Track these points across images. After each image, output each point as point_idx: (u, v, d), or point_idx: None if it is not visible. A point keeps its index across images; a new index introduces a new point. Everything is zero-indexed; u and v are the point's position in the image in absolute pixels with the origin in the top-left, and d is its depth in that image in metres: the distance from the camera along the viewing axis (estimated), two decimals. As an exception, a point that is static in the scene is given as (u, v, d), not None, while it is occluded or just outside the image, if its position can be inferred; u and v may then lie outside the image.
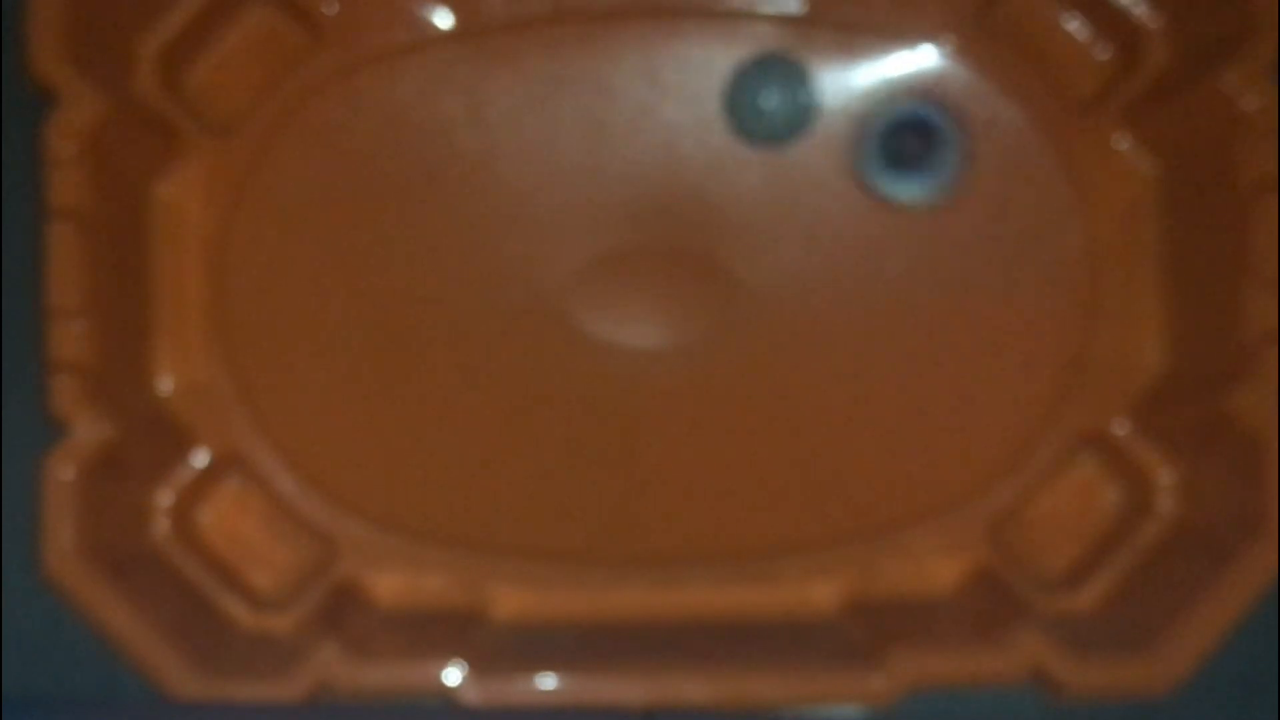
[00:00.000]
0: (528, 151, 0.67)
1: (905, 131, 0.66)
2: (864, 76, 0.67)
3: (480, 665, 0.60)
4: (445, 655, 0.60)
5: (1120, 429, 0.65)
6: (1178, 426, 0.64)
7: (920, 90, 0.66)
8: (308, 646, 0.61)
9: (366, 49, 0.67)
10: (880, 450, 0.67)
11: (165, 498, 0.64)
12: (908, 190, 0.66)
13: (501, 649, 0.63)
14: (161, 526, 0.64)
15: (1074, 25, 0.67)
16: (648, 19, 0.67)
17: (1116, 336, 0.66)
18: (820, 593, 0.65)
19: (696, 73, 0.67)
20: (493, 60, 0.67)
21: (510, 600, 0.65)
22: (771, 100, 0.65)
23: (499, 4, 0.67)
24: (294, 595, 0.64)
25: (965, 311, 0.67)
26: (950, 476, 0.66)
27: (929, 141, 0.65)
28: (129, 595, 0.60)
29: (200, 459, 0.65)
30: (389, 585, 0.65)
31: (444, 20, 0.67)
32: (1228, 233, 0.62)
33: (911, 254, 0.67)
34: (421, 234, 0.67)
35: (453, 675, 0.60)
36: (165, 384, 0.65)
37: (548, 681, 0.60)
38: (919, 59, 0.67)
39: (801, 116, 0.65)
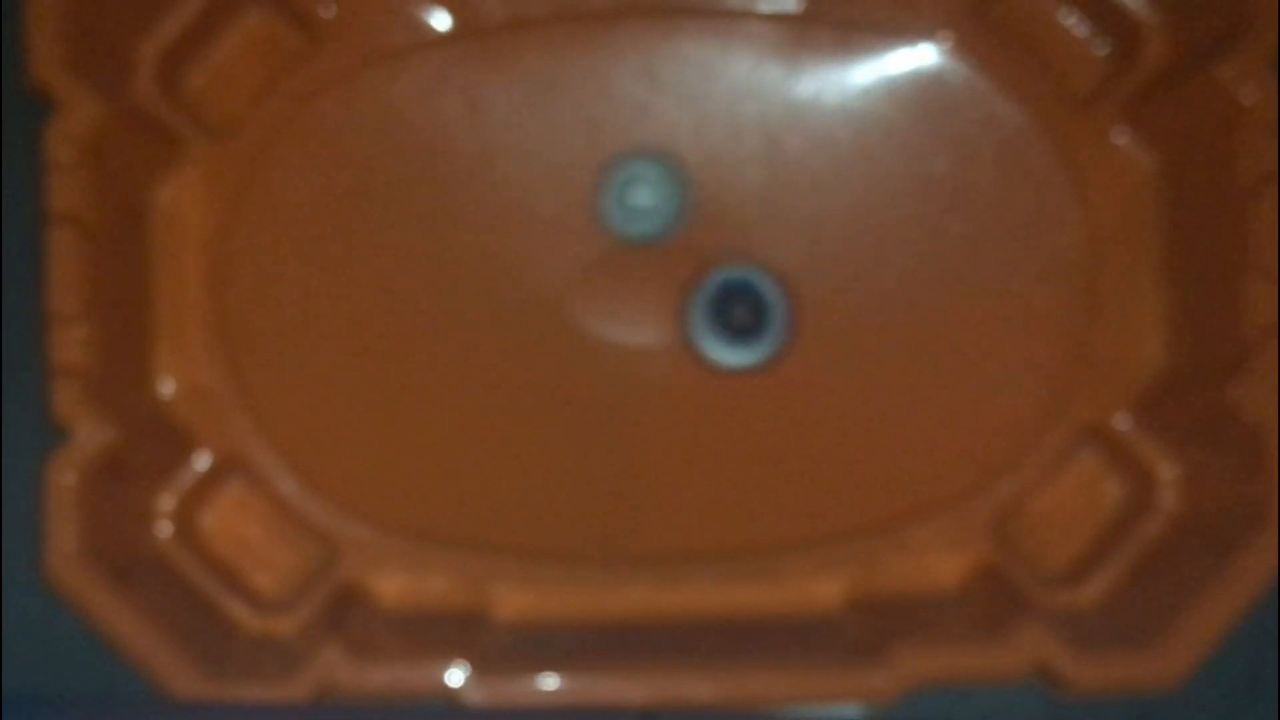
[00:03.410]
0: (526, 152, 0.67)
1: (734, 300, 0.66)
2: (862, 75, 0.67)
3: (483, 665, 0.60)
4: (448, 656, 0.60)
5: (1122, 424, 0.65)
6: (1180, 420, 0.64)
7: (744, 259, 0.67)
8: (311, 648, 0.61)
9: (364, 51, 0.67)
10: (881, 447, 0.67)
11: (167, 501, 0.64)
12: (736, 358, 0.66)
13: (504, 649, 0.63)
14: (164, 529, 0.64)
15: (1071, 21, 0.67)
16: (645, 19, 0.67)
17: (1117, 331, 0.66)
18: (822, 590, 0.65)
19: (695, 72, 0.67)
20: (491, 61, 0.67)
21: (513, 600, 0.65)
22: (643, 199, 0.65)
23: (497, 5, 0.67)
24: (297, 597, 0.64)
25: (965, 307, 0.67)
26: (952, 472, 0.66)
27: (757, 311, 0.66)
28: (132, 598, 0.60)
29: (202, 462, 0.65)
30: (391, 586, 0.65)
31: (442, 22, 0.67)
32: (1228, 226, 0.62)
33: (912, 249, 0.67)
34: (421, 235, 0.67)
35: (456, 676, 0.60)
36: (166, 387, 0.65)
37: (550, 681, 0.60)
38: (917, 56, 0.67)
39: (672, 215, 0.65)
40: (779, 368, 0.67)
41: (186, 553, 0.64)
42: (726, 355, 0.66)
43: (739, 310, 0.65)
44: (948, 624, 0.63)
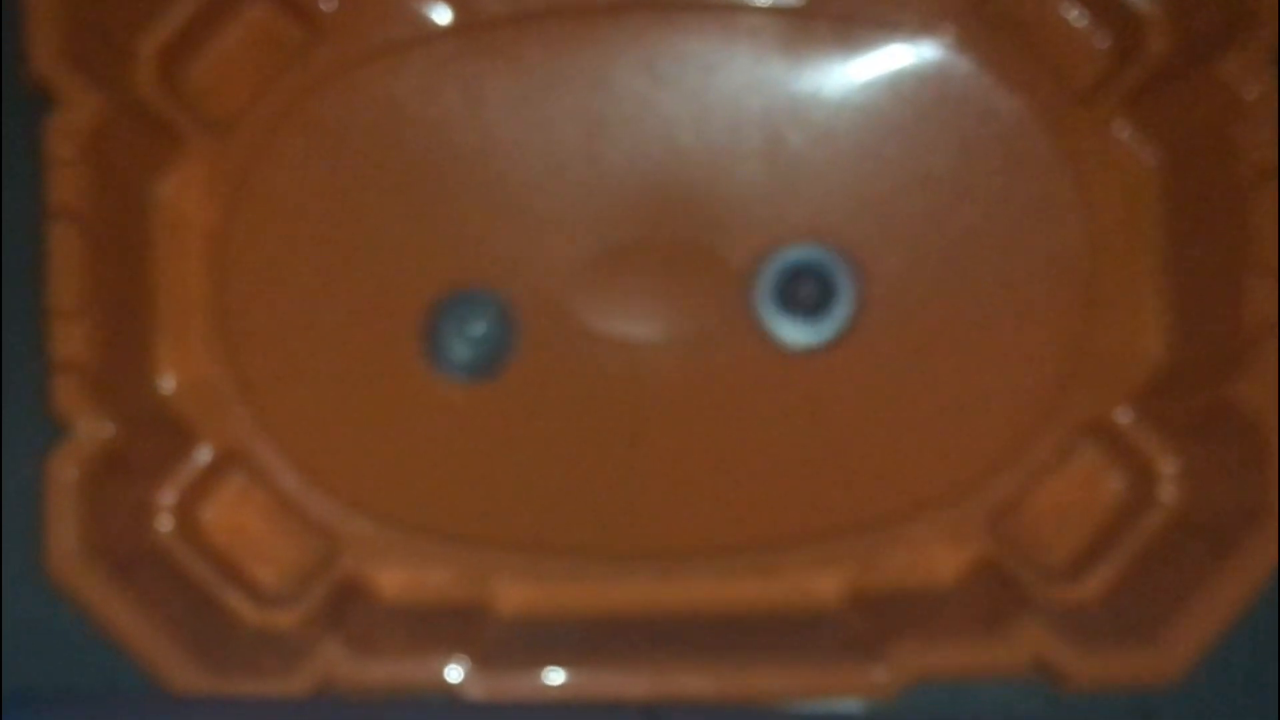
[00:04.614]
0: (527, 146, 0.67)
1: (801, 277, 0.66)
2: (863, 69, 0.67)
3: (484, 660, 0.61)
4: (449, 650, 0.61)
5: (1122, 418, 0.65)
6: (1180, 415, 0.64)
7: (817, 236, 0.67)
8: (312, 642, 0.61)
9: (365, 45, 0.67)
10: (880, 441, 0.67)
11: (168, 495, 0.64)
12: (798, 335, 0.66)
13: (505, 644, 0.63)
14: (164, 524, 0.64)
15: (1073, 14, 0.67)
16: (646, 12, 0.67)
17: (1117, 325, 0.66)
18: (822, 585, 0.65)
19: (695, 66, 0.67)
20: (491, 55, 0.67)
21: (514, 595, 0.65)
22: (478, 330, 0.66)
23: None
24: (297, 591, 0.64)
25: (964, 300, 0.67)
26: (951, 467, 0.66)
27: (823, 289, 0.65)
28: (132, 593, 0.60)
29: (203, 456, 0.65)
30: (392, 581, 0.65)
31: (442, 16, 0.67)
32: (1229, 220, 0.62)
33: (911, 243, 0.67)
34: (421, 229, 0.67)
35: (456, 670, 0.60)
36: (167, 382, 0.65)
37: (552, 676, 0.60)
38: (918, 50, 0.67)
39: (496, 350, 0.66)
40: (775, 365, 0.67)
41: (187, 547, 0.64)
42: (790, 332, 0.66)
43: (807, 289, 0.65)
44: (947, 619, 0.63)
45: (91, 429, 0.61)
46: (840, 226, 0.67)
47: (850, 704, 0.61)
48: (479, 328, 0.67)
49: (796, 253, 0.67)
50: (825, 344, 0.67)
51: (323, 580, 0.64)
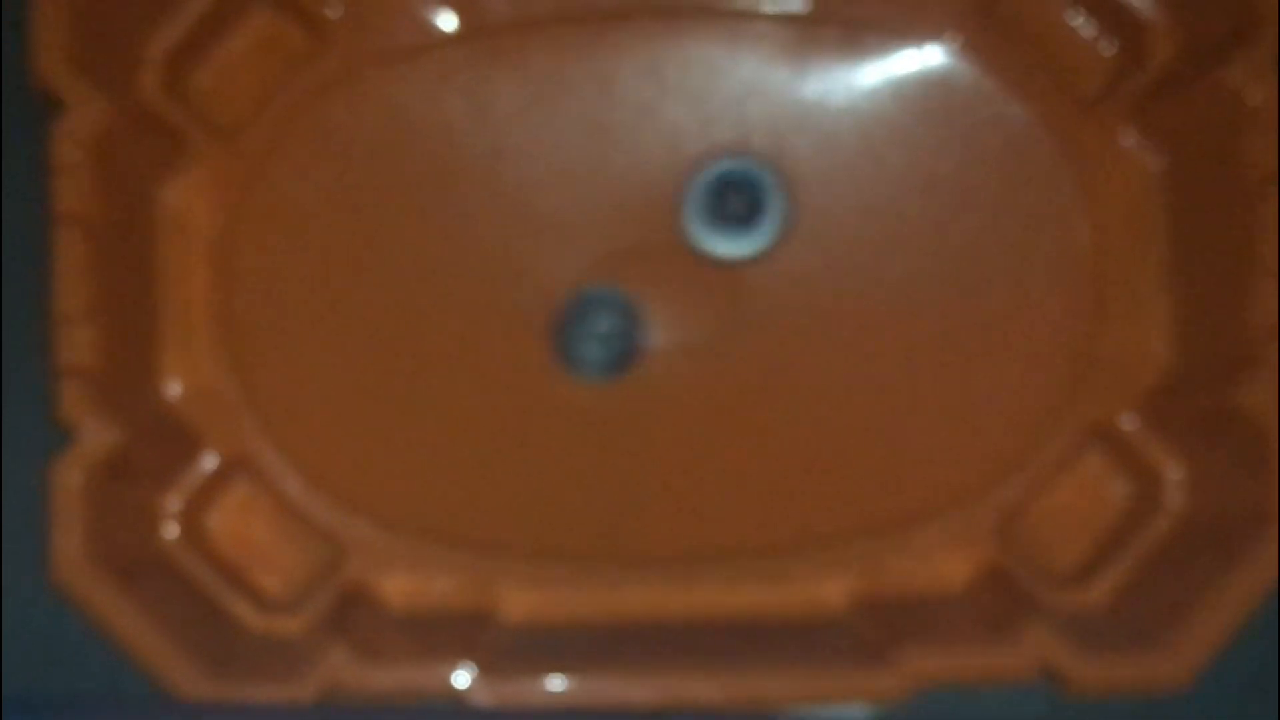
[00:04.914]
0: (533, 152, 0.67)
1: (729, 190, 0.66)
2: (869, 75, 0.67)
3: (490, 666, 0.60)
4: (454, 657, 0.60)
5: (1128, 424, 0.65)
6: (1186, 421, 0.64)
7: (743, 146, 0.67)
8: (316, 648, 0.61)
9: (371, 51, 0.67)
10: (887, 447, 0.67)
11: (173, 501, 0.64)
12: (728, 247, 0.66)
13: (511, 650, 0.63)
14: (170, 530, 0.64)
15: (1078, 21, 0.67)
16: (651, 18, 0.67)
17: (1123, 331, 0.66)
18: (829, 591, 0.65)
19: (700, 72, 0.67)
20: (497, 62, 0.67)
21: (519, 601, 0.65)
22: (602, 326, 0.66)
23: (503, 5, 0.67)
24: (303, 597, 0.64)
25: (971, 308, 0.67)
26: (958, 473, 0.66)
27: (752, 200, 0.66)
28: (137, 599, 0.60)
29: (208, 463, 0.65)
30: (398, 587, 0.65)
31: (448, 22, 0.67)
32: (1234, 227, 0.62)
33: (917, 250, 0.67)
34: (427, 236, 0.67)
35: (462, 677, 0.60)
36: (173, 388, 0.65)
37: (557, 682, 0.60)
38: (924, 57, 0.67)
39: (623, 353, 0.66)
40: (783, 371, 0.67)
41: (192, 553, 0.64)
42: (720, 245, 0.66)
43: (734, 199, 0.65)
44: (954, 625, 0.63)
45: (97, 435, 0.61)
46: (845, 231, 0.67)
47: (857, 710, 0.61)
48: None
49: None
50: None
51: (328, 586, 0.64)
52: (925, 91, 0.67)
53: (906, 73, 0.67)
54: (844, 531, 0.66)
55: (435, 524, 0.66)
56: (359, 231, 0.67)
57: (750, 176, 0.66)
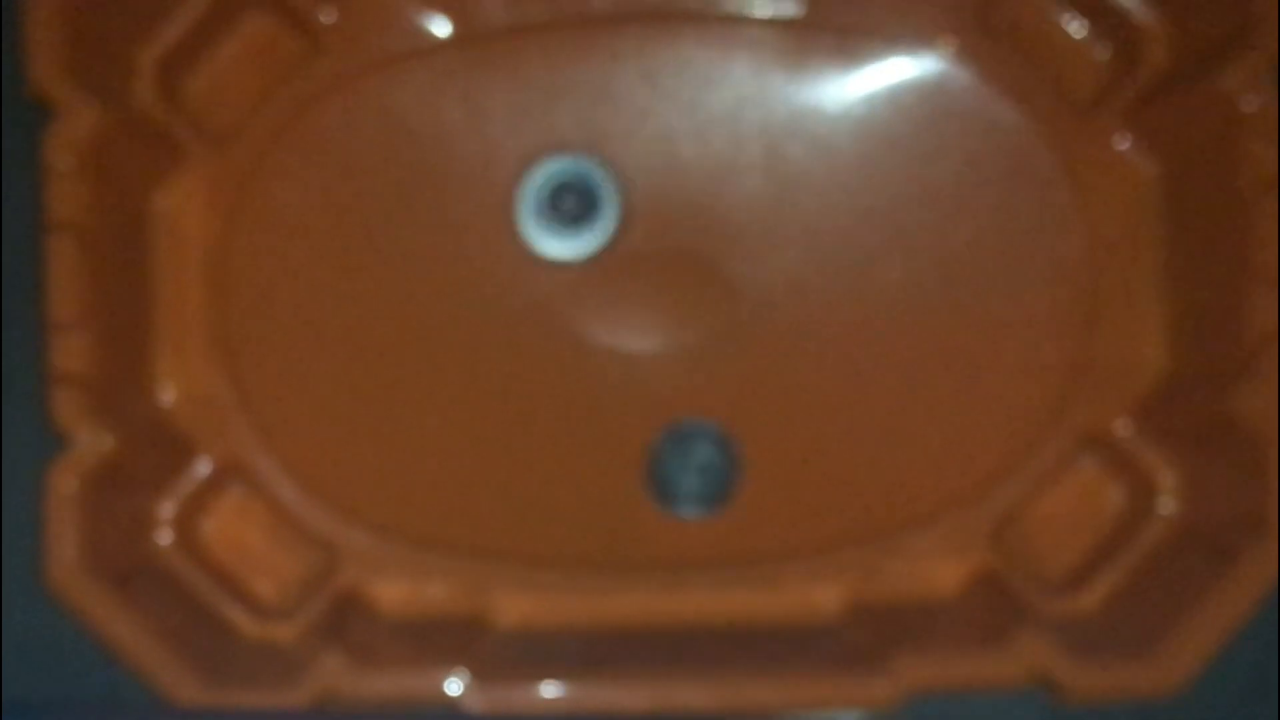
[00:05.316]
0: (527, 157, 0.67)
1: (564, 191, 0.66)
2: (864, 81, 0.67)
3: (483, 673, 0.61)
4: (448, 663, 0.61)
5: (1122, 430, 0.65)
6: (1180, 427, 0.64)
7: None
8: (311, 655, 0.61)
9: (365, 57, 0.67)
10: (881, 453, 0.67)
11: (168, 508, 0.64)
12: (563, 249, 0.67)
13: (504, 656, 0.63)
14: (164, 536, 0.64)
15: (1074, 26, 0.67)
16: (646, 23, 0.67)
17: (1118, 337, 0.66)
18: (822, 597, 0.65)
19: (695, 77, 0.67)
20: (491, 67, 0.67)
21: (513, 607, 0.65)
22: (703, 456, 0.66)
23: (497, 11, 0.67)
24: (297, 604, 0.64)
25: (966, 313, 0.67)
26: (952, 479, 0.66)
27: (587, 201, 0.66)
28: (132, 605, 0.60)
29: (202, 469, 0.65)
30: (392, 593, 0.65)
31: (442, 28, 0.67)
32: (1229, 233, 0.62)
33: (912, 256, 0.67)
34: (420, 241, 0.67)
35: (456, 683, 0.60)
36: (166, 394, 0.65)
37: (551, 689, 0.60)
38: (919, 63, 0.67)
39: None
40: (776, 376, 0.67)
41: (187, 560, 0.64)
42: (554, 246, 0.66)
43: (569, 199, 0.65)
44: (947, 631, 0.63)
45: (91, 441, 0.61)
46: (841, 236, 0.67)
47: (850, 716, 0.61)
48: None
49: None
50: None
51: (322, 593, 0.64)
52: (920, 97, 0.67)
53: (901, 78, 0.67)
54: (837, 538, 0.66)
55: (429, 531, 0.66)
56: (352, 237, 0.67)
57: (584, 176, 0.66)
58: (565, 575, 0.65)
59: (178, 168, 0.65)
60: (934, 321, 0.67)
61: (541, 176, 0.67)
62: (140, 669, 0.60)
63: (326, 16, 0.66)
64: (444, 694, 0.60)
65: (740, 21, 0.67)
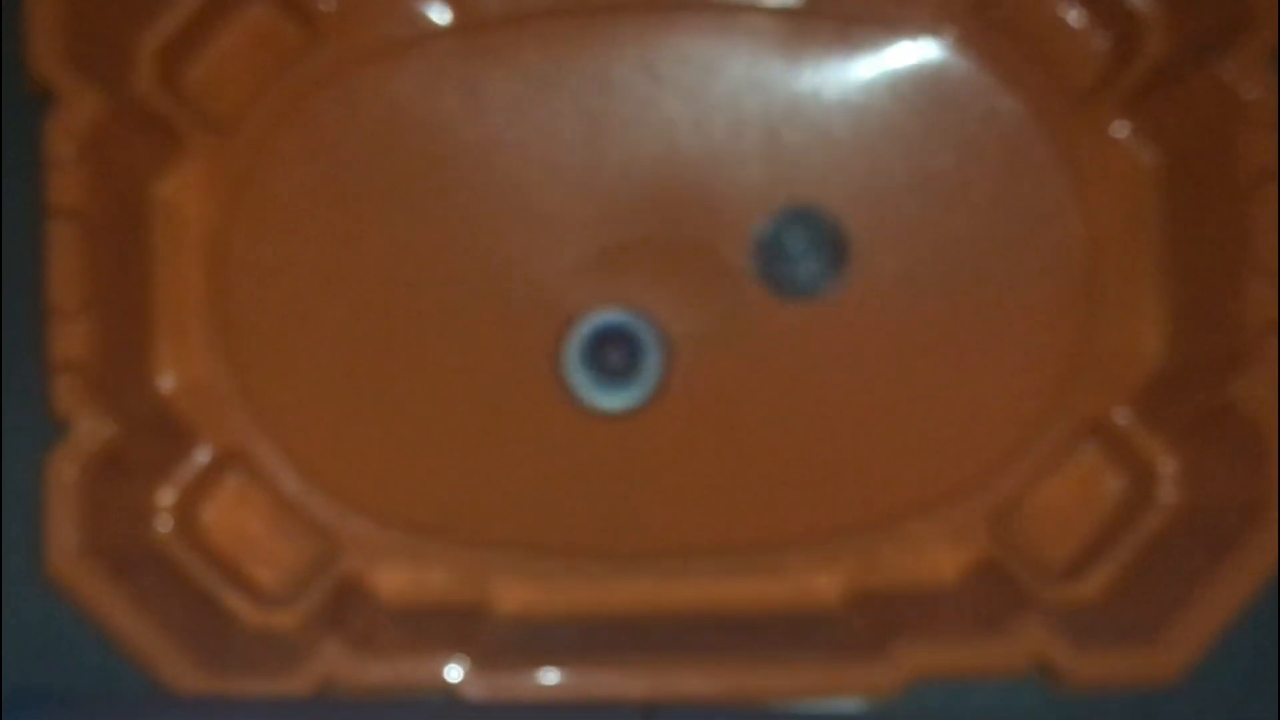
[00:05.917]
0: (527, 146, 0.67)
1: (607, 344, 0.66)
2: (863, 69, 0.67)
3: (483, 660, 0.61)
4: (449, 650, 0.61)
5: (1121, 418, 0.65)
6: (1180, 415, 0.64)
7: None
8: (311, 642, 0.61)
9: (364, 45, 0.67)
10: (881, 441, 0.67)
11: (168, 495, 0.64)
12: (612, 401, 0.67)
13: (505, 643, 0.63)
14: (164, 524, 0.64)
15: (1072, 14, 0.67)
16: (645, 12, 0.67)
17: (1117, 325, 0.66)
18: (822, 584, 0.65)
19: (695, 66, 0.67)
20: (490, 55, 0.67)
21: (513, 595, 0.65)
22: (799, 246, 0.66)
23: (496, -1, 0.67)
24: (297, 591, 0.64)
25: (965, 301, 0.67)
26: (951, 467, 0.66)
27: (631, 352, 0.66)
28: (132, 593, 0.60)
29: (202, 456, 0.65)
30: (392, 581, 0.65)
31: (441, 16, 0.67)
32: (1228, 221, 0.62)
33: (911, 244, 0.67)
34: (421, 230, 0.67)
35: (456, 670, 0.60)
36: (166, 382, 0.65)
37: (551, 676, 0.60)
38: (918, 51, 0.67)
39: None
40: (776, 365, 0.67)
41: (187, 547, 0.64)
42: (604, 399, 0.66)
43: (612, 353, 0.65)
44: (948, 618, 0.63)
45: (91, 429, 0.61)
46: (839, 224, 0.67)
47: (851, 703, 0.61)
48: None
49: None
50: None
51: (322, 580, 0.64)
52: (919, 85, 0.67)
53: (901, 66, 0.67)
54: (838, 525, 0.66)
55: (429, 518, 0.66)
56: (353, 225, 0.67)
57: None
58: (565, 562, 0.65)
59: (178, 156, 0.65)
60: (933, 309, 0.67)
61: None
62: (140, 656, 0.60)
63: (326, 4, 0.66)
64: (444, 681, 0.60)
65: (740, 10, 0.67)
